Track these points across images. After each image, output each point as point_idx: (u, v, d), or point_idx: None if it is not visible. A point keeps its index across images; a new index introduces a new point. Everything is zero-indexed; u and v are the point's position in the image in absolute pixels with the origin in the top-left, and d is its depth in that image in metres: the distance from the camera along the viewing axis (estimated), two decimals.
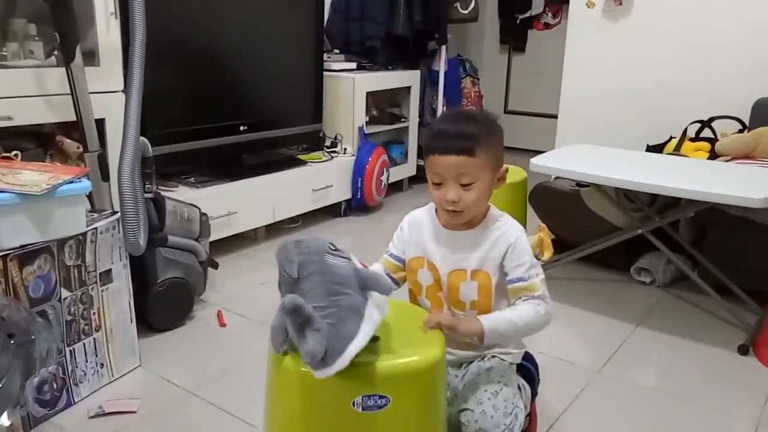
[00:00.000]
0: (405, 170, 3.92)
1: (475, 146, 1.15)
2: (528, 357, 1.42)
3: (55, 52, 1.99)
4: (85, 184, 1.55)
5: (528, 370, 1.41)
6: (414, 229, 1.32)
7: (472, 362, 1.30)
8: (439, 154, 1.18)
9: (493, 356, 1.30)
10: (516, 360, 1.34)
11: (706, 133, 2.61)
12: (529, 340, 1.36)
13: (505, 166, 1.22)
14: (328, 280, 1.01)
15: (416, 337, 1.12)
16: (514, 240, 1.21)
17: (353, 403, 1.02)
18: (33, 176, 1.49)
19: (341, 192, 3.32)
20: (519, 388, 1.33)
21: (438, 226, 1.28)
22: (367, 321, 1.00)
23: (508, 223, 1.24)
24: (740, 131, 2.55)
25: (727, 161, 2.39)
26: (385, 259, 1.36)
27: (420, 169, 4.06)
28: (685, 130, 2.60)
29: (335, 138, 3.43)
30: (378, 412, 1.03)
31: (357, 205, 3.42)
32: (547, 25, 4.77)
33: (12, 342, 1.18)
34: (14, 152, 1.66)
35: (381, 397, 1.02)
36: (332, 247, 1.05)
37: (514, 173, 2.37)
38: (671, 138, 2.68)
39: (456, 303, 1.27)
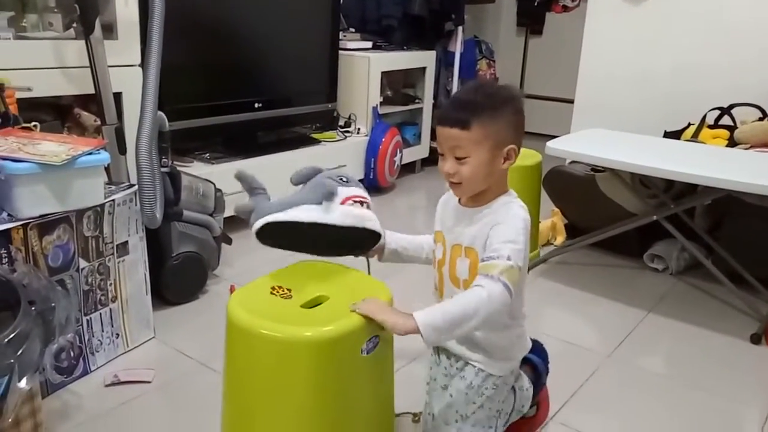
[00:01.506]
0: (418, 152, 3.91)
1: (471, 120, 1.11)
2: (535, 348, 1.38)
3: (74, 25, 1.99)
4: (104, 156, 1.56)
5: (534, 365, 1.39)
6: (443, 204, 1.31)
7: (457, 367, 1.27)
8: (439, 124, 1.18)
9: (480, 370, 1.24)
10: (504, 371, 1.26)
11: (726, 120, 2.59)
12: (537, 323, 1.36)
13: (511, 146, 1.15)
14: (307, 191, 1.25)
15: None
16: (501, 220, 1.15)
17: (361, 351, 1.10)
18: (52, 147, 1.50)
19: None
20: (514, 390, 1.32)
21: (456, 201, 1.26)
22: (299, 210, 1.20)
23: (509, 206, 1.18)
24: (760, 119, 2.52)
25: (746, 149, 2.36)
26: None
27: (433, 151, 4.05)
28: (704, 117, 2.57)
29: (349, 118, 3.42)
30: (373, 353, 1.13)
31: (369, 186, 3.41)
32: (565, 8, 4.72)
33: (33, 308, 1.20)
34: (33, 123, 1.67)
35: (375, 337, 1.12)
36: (343, 179, 1.26)
37: (529, 156, 2.36)
38: (689, 124, 2.65)
39: (454, 278, 1.24)
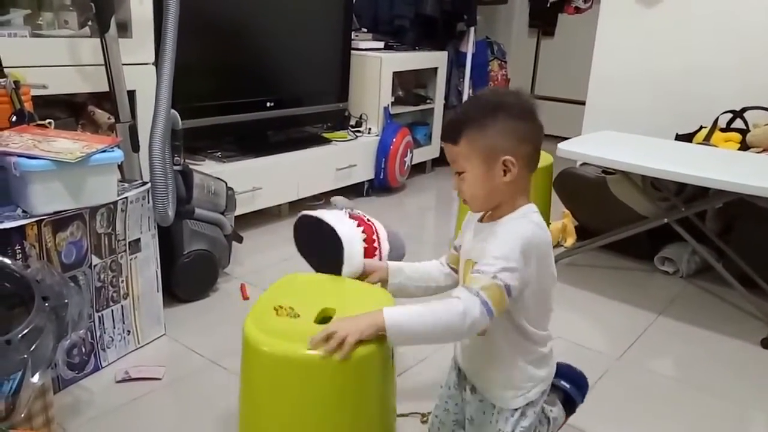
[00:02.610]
0: (428, 152, 3.91)
1: (459, 133, 1.06)
2: (567, 373, 1.31)
3: (89, 23, 2.01)
4: (118, 154, 1.58)
5: (567, 394, 1.30)
6: (468, 220, 1.23)
7: (472, 396, 1.21)
8: (440, 138, 1.16)
9: (499, 408, 1.16)
10: (526, 400, 1.16)
11: (738, 123, 2.57)
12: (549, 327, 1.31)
13: (507, 156, 1.05)
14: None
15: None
16: (498, 235, 1.07)
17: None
18: (67, 144, 1.52)
19: (365, 172, 3.33)
20: (548, 420, 1.23)
21: (477, 217, 1.20)
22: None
23: (514, 225, 1.08)
24: None
25: (758, 153, 2.35)
26: (451, 253, 1.27)
27: (443, 152, 4.04)
28: (716, 120, 2.56)
29: (360, 117, 3.43)
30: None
31: (380, 186, 3.42)
32: (578, 10, 4.71)
33: (46, 304, 1.21)
34: (48, 120, 1.68)
35: None
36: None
37: (540, 158, 2.35)
38: (701, 127, 2.64)
39: None
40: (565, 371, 1.31)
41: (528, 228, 1.07)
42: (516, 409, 1.16)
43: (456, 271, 1.25)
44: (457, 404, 1.28)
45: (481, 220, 1.16)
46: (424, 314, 1.00)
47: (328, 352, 0.99)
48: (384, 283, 1.26)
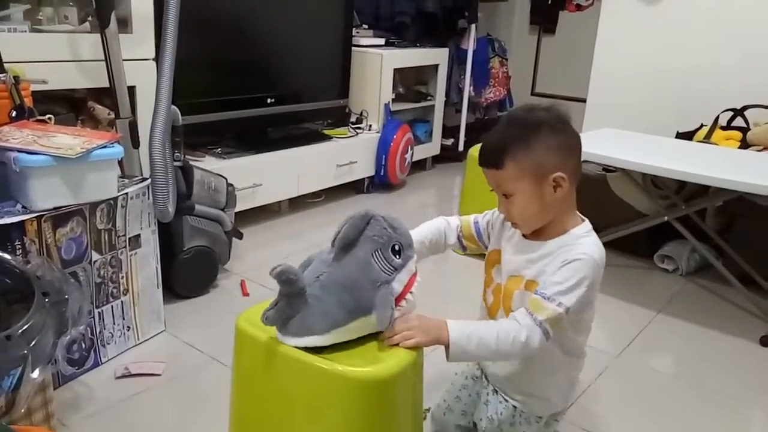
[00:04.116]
0: (429, 149, 3.91)
1: (503, 158, 1.03)
2: None
3: (89, 18, 2.01)
4: (118, 150, 1.58)
5: None
6: (499, 221, 1.20)
7: (494, 394, 1.21)
8: (479, 164, 1.11)
9: (520, 410, 1.17)
10: (552, 410, 1.18)
11: (738, 121, 2.57)
12: None
13: (558, 173, 1.03)
14: (353, 275, 0.99)
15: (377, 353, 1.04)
16: (570, 259, 1.04)
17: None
18: (67, 140, 1.52)
19: (365, 168, 3.33)
20: None
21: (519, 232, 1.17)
22: (340, 331, 1.00)
23: (583, 245, 1.06)
24: None
25: (759, 151, 2.35)
26: (466, 221, 1.24)
27: (444, 149, 4.05)
28: (717, 118, 2.56)
29: (361, 114, 3.43)
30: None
31: (380, 182, 3.42)
32: (579, 7, 4.68)
33: (46, 300, 1.21)
34: (48, 116, 1.68)
35: None
36: (397, 248, 1.03)
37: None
38: (702, 126, 2.63)
39: (508, 310, 1.12)
40: None
41: (597, 253, 1.06)
42: (541, 417, 1.17)
43: (462, 243, 1.24)
44: (470, 395, 1.28)
45: (524, 235, 1.13)
46: (487, 339, 1.01)
47: (389, 341, 1.01)
48: None
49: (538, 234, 1.10)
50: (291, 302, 0.97)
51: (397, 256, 1.03)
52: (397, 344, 1.02)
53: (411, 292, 1.06)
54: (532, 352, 1.02)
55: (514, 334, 1.00)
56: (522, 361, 1.14)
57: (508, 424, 1.19)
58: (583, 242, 1.07)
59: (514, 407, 1.18)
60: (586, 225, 1.11)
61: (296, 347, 0.99)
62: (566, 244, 1.07)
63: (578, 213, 1.13)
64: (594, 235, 1.09)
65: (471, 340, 1.02)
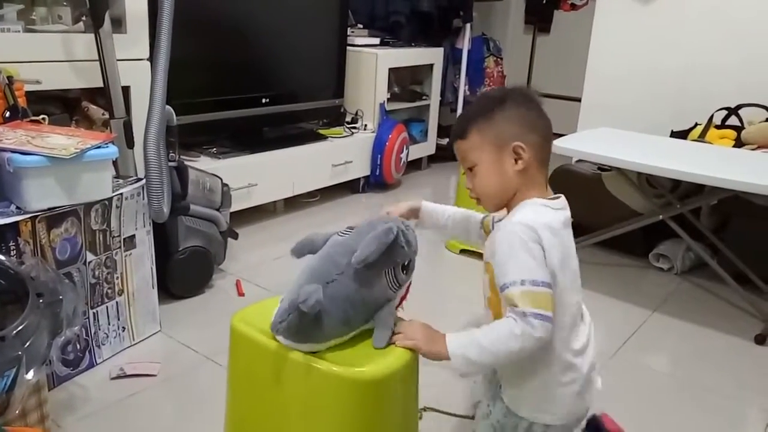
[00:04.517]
0: (424, 149, 3.91)
1: (467, 127, 1.08)
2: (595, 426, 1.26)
3: (83, 18, 2.00)
4: (112, 150, 1.57)
5: None
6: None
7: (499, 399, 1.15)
8: (450, 142, 1.16)
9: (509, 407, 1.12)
10: (532, 415, 1.11)
11: (733, 120, 2.58)
12: None
13: (516, 142, 1.04)
14: (362, 292, 0.99)
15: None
16: (500, 237, 1.02)
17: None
18: (61, 140, 1.51)
19: (360, 168, 3.32)
20: None
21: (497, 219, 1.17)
22: (335, 341, 1.01)
23: (517, 214, 1.05)
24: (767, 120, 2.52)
25: (753, 150, 2.36)
26: (489, 217, 1.24)
27: (439, 148, 4.05)
28: (711, 117, 2.56)
29: (356, 114, 3.43)
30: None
31: (375, 182, 3.42)
32: (573, 6, 4.70)
33: (41, 301, 1.21)
34: (42, 116, 1.67)
35: None
36: (404, 265, 1.03)
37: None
38: (696, 125, 2.64)
39: (491, 301, 1.10)
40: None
41: (530, 216, 1.02)
42: (522, 418, 1.11)
43: (481, 236, 1.25)
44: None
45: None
46: (485, 344, 0.98)
47: (389, 343, 1.02)
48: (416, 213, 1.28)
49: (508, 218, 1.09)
50: (303, 318, 0.96)
51: (405, 272, 1.03)
52: (393, 343, 1.02)
53: (406, 303, 1.08)
54: (537, 342, 0.96)
55: (508, 330, 0.96)
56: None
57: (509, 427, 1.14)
58: (517, 210, 1.05)
59: (505, 404, 1.13)
60: (534, 200, 1.06)
61: (291, 348, 1.00)
62: (508, 218, 1.06)
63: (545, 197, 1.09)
64: (532, 205, 1.05)
65: (470, 348, 0.99)
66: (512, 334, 0.96)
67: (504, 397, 1.12)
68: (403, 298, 1.07)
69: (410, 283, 1.08)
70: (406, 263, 1.03)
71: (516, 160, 1.05)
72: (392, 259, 1.01)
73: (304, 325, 0.97)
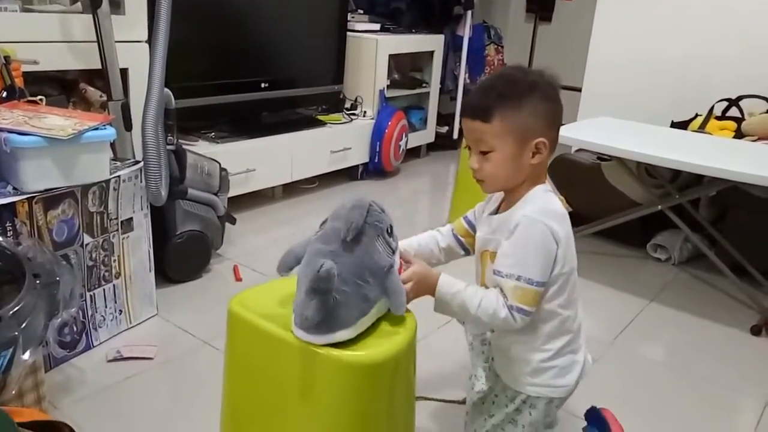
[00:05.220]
0: (423, 136, 3.90)
1: (492, 111, 1.02)
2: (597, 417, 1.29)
3: None
4: (110, 132, 1.56)
5: None
6: (480, 207, 1.22)
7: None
8: (462, 116, 1.10)
9: (524, 396, 1.14)
10: (519, 387, 1.14)
11: (733, 111, 2.57)
12: None
13: (540, 138, 1.03)
14: (364, 263, 0.99)
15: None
16: (512, 226, 1.04)
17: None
18: (58, 121, 1.50)
19: (359, 155, 3.31)
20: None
21: (493, 208, 1.15)
22: (363, 322, 1.00)
23: (528, 206, 1.06)
24: None
25: (753, 141, 2.35)
26: (458, 221, 1.25)
27: (438, 136, 4.03)
28: (712, 108, 2.56)
29: (355, 100, 3.41)
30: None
31: (374, 169, 3.41)
32: None
33: (38, 282, 1.20)
34: (39, 97, 1.66)
35: None
36: (389, 231, 1.03)
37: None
38: (696, 115, 2.64)
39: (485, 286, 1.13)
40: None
41: (537, 211, 1.04)
42: (519, 393, 1.15)
43: (461, 242, 1.24)
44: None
45: (497, 211, 1.13)
46: (468, 304, 1.05)
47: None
48: None
49: (507, 204, 1.11)
50: (326, 300, 0.95)
51: (391, 238, 1.04)
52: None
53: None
54: (512, 328, 1.04)
55: (495, 308, 1.03)
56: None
57: (492, 395, 1.19)
58: (529, 201, 1.06)
59: (497, 376, 1.17)
60: (539, 188, 1.08)
61: (327, 345, 0.97)
62: (520, 208, 1.06)
63: (546, 182, 1.11)
64: (542, 193, 1.07)
65: (455, 299, 1.05)
66: (496, 315, 1.03)
67: (499, 373, 1.16)
68: (400, 270, 1.07)
69: (401, 260, 1.09)
70: (389, 230, 1.04)
71: (533, 155, 1.05)
72: (377, 226, 1.01)
73: (329, 307, 0.95)
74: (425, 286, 1.05)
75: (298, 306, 0.97)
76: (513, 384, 1.15)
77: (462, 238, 1.24)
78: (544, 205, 1.05)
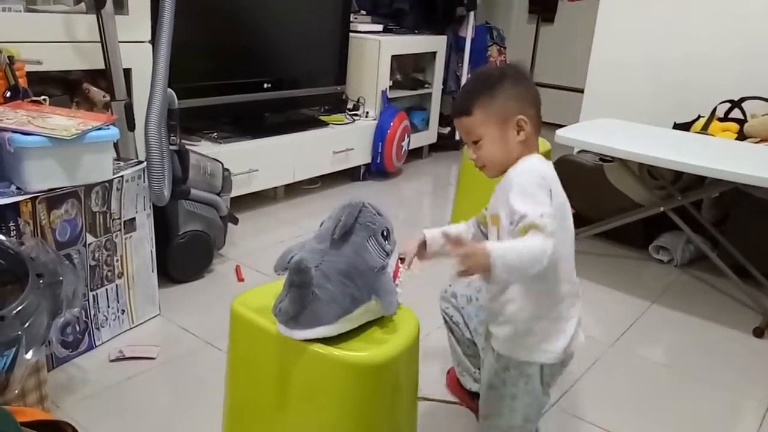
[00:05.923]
0: (426, 137, 3.90)
1: (471, 104, 1.16)
2: None
3: None
4: (113, 132, 1.56)
5: None
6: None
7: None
8: (452, 117, 1.22)
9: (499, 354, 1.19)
10: (546, 359, 1.19)
11: (736, 113, 2.57)
12: None
13: (519, 116, 1.14)
14: (352, 262, 1.01)
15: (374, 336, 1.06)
16: (514, 179, 1.12)
17: None
18: (62, 121, 1.50)
19: (361, 156, 3.32)
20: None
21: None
22: (347, 320, 1.00)
23: (519, 165, 1.15)
24: None
25: (755, 143, 2.35)
26: (481, 213, 1.31)
27: (441, 137, 4.04)
28: (714, 110, 2.56)
29: (358, 101, 3.41)
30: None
31: (376, 170, 3.41)
32: None
33: (41, 281, 1.21)
34: (43, 97, 1.66)
35: None
36: (385, 233, 1.05)
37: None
38: (699, 117, 2.63)
39: None
40: None
41: (527, 163, 1.15)
42: (525, 363, 1.18)
43: (483, 233, 1.30)
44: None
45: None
46: (521, 251, 1.03)
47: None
48: (423, 250, 1.28)
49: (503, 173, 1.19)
50: (302, 293, 0.96)
51: (387, 241, 1.06)
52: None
53: (399, 280, 1.09)
54: (547, 261, 1.03)
55: (533, 242, 1.02)
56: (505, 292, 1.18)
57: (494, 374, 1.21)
58: (518, 165, 1.15)
59: (499, 354, 1.20)
60: (533, 155, 1.17)
61: (305, 340, 0.98)
62: (509, 172, 1.15)
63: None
64: (534, 156, 1.17)
65: (507, 253, 1.03)
66: (541, 247, 1.02)
67: (494, 344, 1.20)
68: (395, 275, 1.08)
69: (399, 261, 1.12)
70: (384, 233, 1.06)
71: (518, 132, 1.16)
72: (369, 227, 1.03)
73: (306, 301, 0.96)
74: (481, 256, 1.03)
75: (276, 299, 0.99)
76: (506, 351, 1.19)
77: (484, 228, 1.31)
78: (535, 162, 1.16)
